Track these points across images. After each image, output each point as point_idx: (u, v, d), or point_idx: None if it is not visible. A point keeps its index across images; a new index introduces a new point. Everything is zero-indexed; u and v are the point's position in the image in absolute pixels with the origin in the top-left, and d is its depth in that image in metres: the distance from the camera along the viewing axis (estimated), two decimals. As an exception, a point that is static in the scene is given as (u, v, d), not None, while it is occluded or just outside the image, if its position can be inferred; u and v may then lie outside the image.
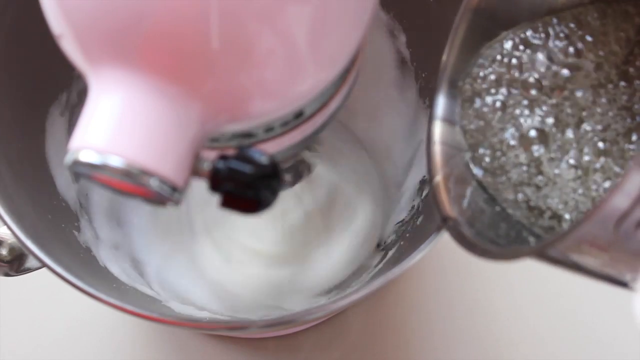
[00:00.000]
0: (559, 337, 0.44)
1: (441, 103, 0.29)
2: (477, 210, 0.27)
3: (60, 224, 0.38)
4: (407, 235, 0.40)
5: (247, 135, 0.25)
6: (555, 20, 0.28)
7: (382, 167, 0.45)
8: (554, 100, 0.27)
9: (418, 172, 0.42)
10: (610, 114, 0.26)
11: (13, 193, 0.33)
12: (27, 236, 0.30)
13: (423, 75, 0.43)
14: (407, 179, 0.43)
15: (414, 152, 0.43)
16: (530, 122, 0.28)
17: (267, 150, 0.26)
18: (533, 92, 0.28)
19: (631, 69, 0.26)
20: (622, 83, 0.26)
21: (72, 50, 0.22)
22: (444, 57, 0.29)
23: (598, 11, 0.27)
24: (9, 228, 0.30)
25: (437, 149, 0.29)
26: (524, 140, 0.28)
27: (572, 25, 0.27)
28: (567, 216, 0.26)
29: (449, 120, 0.29)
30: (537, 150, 0.27)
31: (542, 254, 0.21)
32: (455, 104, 0.29)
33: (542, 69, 0.28)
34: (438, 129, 0.29)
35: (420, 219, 0.39)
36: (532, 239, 0.26)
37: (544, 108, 0.28)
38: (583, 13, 0.27)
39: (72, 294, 0.30)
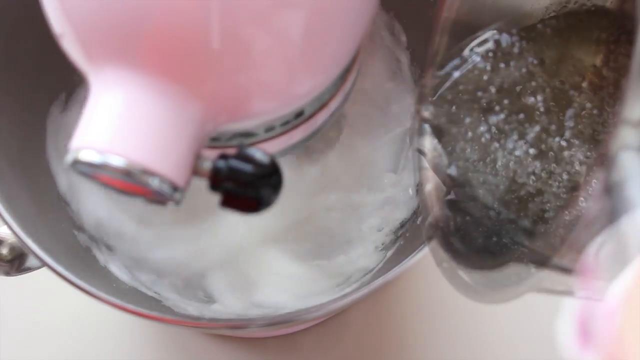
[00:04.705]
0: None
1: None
2: (472, 248, 0.27)
3: (60, 223, 0.38)
4: (407, 235, 0.40)
5: (248, 134, 0.25)
6: (519, 31, 0.28)
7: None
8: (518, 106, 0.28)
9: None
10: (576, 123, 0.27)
11: (14, 192, 0.33)
12: (27, 235, 0.30)
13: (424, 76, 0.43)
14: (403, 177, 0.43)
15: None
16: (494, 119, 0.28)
17: (268, 149, 0.26)
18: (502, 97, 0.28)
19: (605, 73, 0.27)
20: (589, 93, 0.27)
21: (73, 50, 0.22)
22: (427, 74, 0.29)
23: (565, 21, 0.28)
24: (10, 227, 0.30)
25: (427, 163, 0.29)
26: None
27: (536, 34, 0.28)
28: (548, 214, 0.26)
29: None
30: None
31: (535, 290, 0.21)
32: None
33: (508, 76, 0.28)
34: (427, 139, 0.29)
35: (420, 219, 0.39)
36: (532, 265, 0.26)
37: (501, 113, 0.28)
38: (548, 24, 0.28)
39: (73, 294, 0.30)
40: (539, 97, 0.28)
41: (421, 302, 0.45)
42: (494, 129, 0.28)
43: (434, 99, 0.29)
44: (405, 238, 0.40)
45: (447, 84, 0.29)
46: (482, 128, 0.28)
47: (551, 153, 0.27)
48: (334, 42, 0.23)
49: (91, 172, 0.21)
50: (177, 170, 0.21)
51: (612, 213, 0.16)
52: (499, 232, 0.27)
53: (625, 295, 0.14)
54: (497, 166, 0.28)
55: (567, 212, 0.21)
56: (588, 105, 0.27)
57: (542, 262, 0.22)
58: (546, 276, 0.19)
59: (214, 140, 0.25)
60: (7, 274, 0.34)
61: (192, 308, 0.40)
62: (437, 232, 0.27)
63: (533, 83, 0.28)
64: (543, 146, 0.27)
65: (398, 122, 0.44)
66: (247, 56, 0.21)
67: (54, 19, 0.22)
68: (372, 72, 0.44)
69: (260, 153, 0.22)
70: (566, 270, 0.21)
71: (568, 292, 0.21)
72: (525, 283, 0.20)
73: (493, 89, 0.28)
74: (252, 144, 0.26)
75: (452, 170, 0.28)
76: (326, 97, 0.26)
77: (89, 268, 0.37)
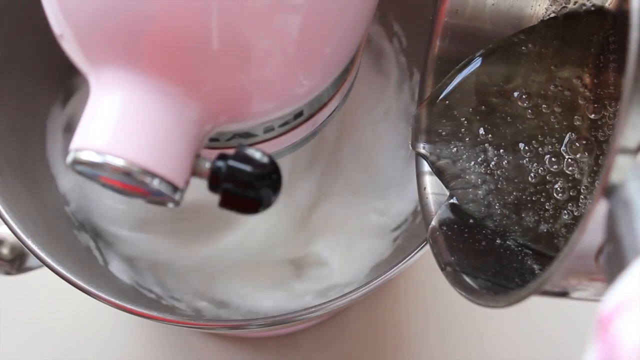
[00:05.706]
0: (560, 337, 0.44)
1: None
2: (476, 251, 0.27)
3: (61, 223, 0.38)
4: (407, 235, 0.40)
5: (247, 135, 0.25)
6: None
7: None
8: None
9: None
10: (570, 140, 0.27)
11: (14, 192, 0.33)
12: (27, 235, 0.30)
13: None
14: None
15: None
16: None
17: (267, 150, 0.26)
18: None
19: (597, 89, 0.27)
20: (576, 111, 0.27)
21: (73, 51, 0.22)
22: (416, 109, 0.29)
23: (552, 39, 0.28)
24: (10, 227, 0.30)
25: (430, 195, 0.29)
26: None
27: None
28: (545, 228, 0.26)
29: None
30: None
31: (537, 293, 0.21)
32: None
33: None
34: (427, 175, 0.29)
35: (419, 219, 0.39)
36: (536, 266, 0.26)
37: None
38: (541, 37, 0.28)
39: (73, 293, 0.30)
40: (534, 102, 0.28)
41: (421, 302, 0.45)
42: (488, 137, 0.28)
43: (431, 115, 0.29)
44: (405, 238, 0.40)
45: (443, 97, 0.29)
46: (480, 131, 0.28)
47: (549, 156, 0.27)
48: (333, 43, 0.23)
49: (91, 172, 0.21)
50: (176, 170, 0.21)
51: (611, 216, 0.16)
52: (502, 234, 0.27)
53: (622, 300, 0.14)
54: (490, 167, 0.28)
55: (567, 214, 0.21)
56: (588, 107, 0.27)
57: (545, 264, 0.22)
58: (548, 279, 0.19)
59: (214, 141, 0.25)
60: (8, 273, 0.34)
61: (191, 310, 0.40)
62: (440, 235, 0.27)
63: (525, 94, 0.28)
64: (540, 149, 0.27)
65: (397, 123, 0.44)
66: (245, 57, 0.21)
67: (53, 20, 0.22)
68: (370, 72, 0.44)
69: (259, 153, 0.22)
70: (566, 274, 0.21)
71: (567, 294, 0.21)
72: (529, 286, 0.20)
73: (489, 101, 0.28)
74: (252, 145, 0.26)
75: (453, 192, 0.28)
76: (325, 97, 0.26)
77: (89, 268, 0.37)
